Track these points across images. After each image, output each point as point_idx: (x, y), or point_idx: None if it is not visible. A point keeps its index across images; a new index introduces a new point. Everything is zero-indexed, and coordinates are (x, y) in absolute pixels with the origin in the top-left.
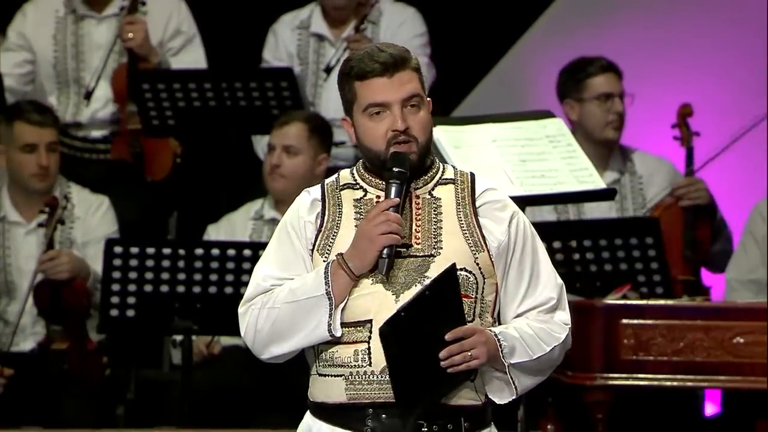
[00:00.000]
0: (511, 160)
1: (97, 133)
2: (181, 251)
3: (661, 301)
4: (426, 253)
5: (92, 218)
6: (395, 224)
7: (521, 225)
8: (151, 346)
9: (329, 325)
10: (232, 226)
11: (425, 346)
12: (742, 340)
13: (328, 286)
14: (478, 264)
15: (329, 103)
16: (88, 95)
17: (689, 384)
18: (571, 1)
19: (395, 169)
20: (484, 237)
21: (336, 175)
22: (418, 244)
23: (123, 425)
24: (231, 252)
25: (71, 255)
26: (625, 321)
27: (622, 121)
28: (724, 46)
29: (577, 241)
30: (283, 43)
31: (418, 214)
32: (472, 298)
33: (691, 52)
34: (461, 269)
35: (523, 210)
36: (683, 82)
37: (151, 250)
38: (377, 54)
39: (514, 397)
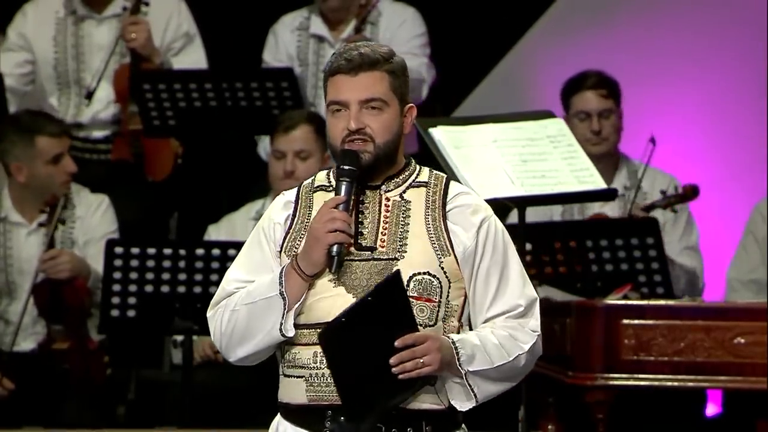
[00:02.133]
0: (512, 161)
1: (98, 134)
2: (182, 251)
3: (662, 302)
4: (390, 257)
5: (92, 217)
6: (340, 221)
7: (492, 231)
8: (152, 346)
9: (281, 325)
10: (233, 226)
11: (375, 353)
12: (742, 341)
13: (282, 287)
14: (443, 268)
15: None
16: (90, 95)
17: (690, 384)
18: (571, 1)
19: (345, 167)
20: (450, 241)
21: (313, 177)
22: (382, 247)
23: (123, 425)
24: (232, 252)
25: (72, 254)
26: (625, 321)
27: (602, 138)
28: (725, 46)
29: (578, 241)
30: (283, 45)
31: (387, 217)
32: (435, 302)
33: (691, 51)
34: (425, 273)
35: (523, 210)
36: (684, 81)
37: (151, 251)
38: (349, 52)
39: (474, 404)
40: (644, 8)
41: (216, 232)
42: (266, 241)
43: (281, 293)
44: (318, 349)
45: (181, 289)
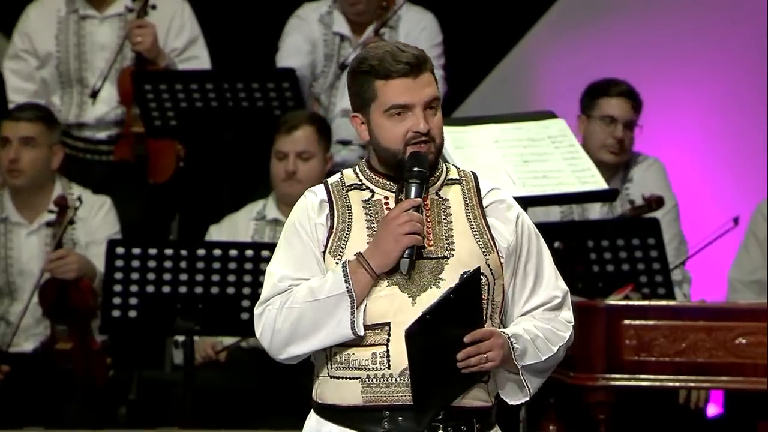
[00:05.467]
0: (513, 161)
1: (100, 135)
2: (183, 252)
3: (663, 302)
4: (440, 255)
5: (95, 219)
6: (419, 224)
7: (526, 225)
8: (153, 346)
9: (352, 323)
10: (234, 227)
11: (444, 348)
12: (744, 341)
13: (349, 284)
14: (489, 265)
15: (343, 100)
16: (95, 94)
17: (691, 385)
18: (573, 1)
19: (415, 169)
20: (493, 238)
21: (339, 175)
22: (430, 245)
23: (125, 426)
24: (233, 252)
25: (79, 255)
26: (627, 321)
27: (621, 147)
28: (725, 46)
29: (579, 242)
30: (308, 29)
31: (429, 216)
32: (484, 299)
33: (692, 51)
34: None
35: (525, 210)
36: (684, 81)
37: (153, 251)
38: (399, 54)
39: (527, 399)
40: (645, 8)
41: (217, 233)
42: (308, 237)
43: (349, 291)
44: (377, 350)
45: (183, 289)
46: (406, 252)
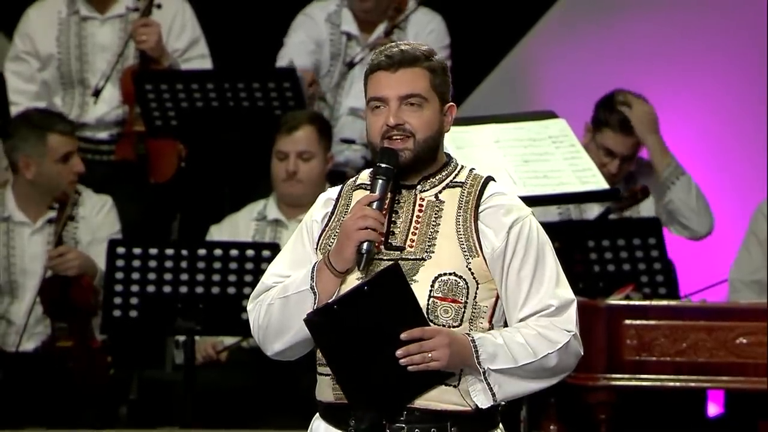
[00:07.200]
0: (514, 161)
1: (101, 134)
2: (184, 252)
3: (664, 302)
4: (417, 257)
5: (96, 218)
6: (372, 219)
7: (525, 231)
8: (154, 346)
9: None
10: (235, 227)
11: (377, 345)
12: (744, 341)
13: (313, 281)
14: (470, 269)
15: (348, 98)
16: (97, 93)
17: (692, 384)
18: (574, 1)
19: (381, 165)
20: (480, 241)
21: (358, 175)
22: (411, 247)
23: (125, 425)
24: (233, 252)
25: (80, 252)
26: (627, 321)
27: (616, 177)
28: (726, 46)
29: (579, 242)
30: (315, 28)
31: (419, 217)
32: (461, 302)
33: (692, 52)
34: (450, 273)
35: None
36: (684, 81)
37: (153, 251)
38: (390, 49)
39: (493, 403)
40: (646, 8)
41: (218, 233)
42: (307, 237)
43: (312, 288)
44: None
45: (183, 289)
46: (364, 247)
